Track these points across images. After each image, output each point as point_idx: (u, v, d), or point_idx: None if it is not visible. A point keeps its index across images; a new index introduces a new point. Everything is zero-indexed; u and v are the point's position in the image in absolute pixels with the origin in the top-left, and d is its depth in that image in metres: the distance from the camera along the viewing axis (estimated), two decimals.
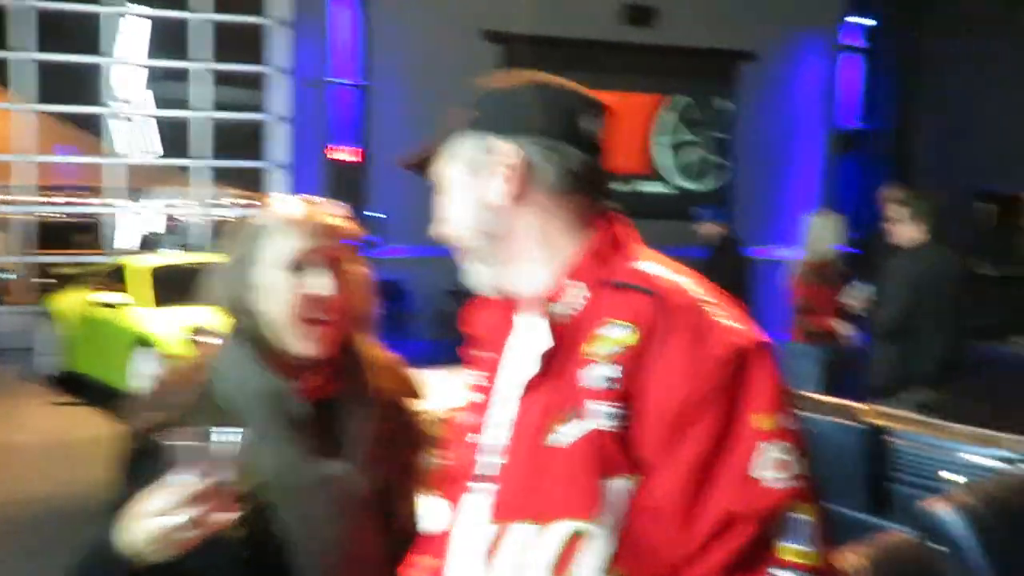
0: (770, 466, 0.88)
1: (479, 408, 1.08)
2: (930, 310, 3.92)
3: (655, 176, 9.93)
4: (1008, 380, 6.32)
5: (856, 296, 4.42)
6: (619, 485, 0.91)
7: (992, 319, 7.28)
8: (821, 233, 5.02)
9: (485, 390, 1.08)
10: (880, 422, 2.63)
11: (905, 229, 4.06)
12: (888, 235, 4.14)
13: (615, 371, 0.92)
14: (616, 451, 0.91)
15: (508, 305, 1.08)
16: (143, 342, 5.88)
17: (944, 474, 2.40)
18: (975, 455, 2.42)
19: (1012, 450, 2.36)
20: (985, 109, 9.00)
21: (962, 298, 4.03)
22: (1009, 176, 8.93)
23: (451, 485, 1.09)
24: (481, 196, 1.03)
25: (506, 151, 1.02)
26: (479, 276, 1.07)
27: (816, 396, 2.91)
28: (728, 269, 5.93)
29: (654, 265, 1.00)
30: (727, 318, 0.95)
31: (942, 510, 1.97)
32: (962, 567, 1.91)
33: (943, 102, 9.36)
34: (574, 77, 1.07)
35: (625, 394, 0.91)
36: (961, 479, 2.37)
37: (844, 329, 4.77)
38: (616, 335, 0.94)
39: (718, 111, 10.03)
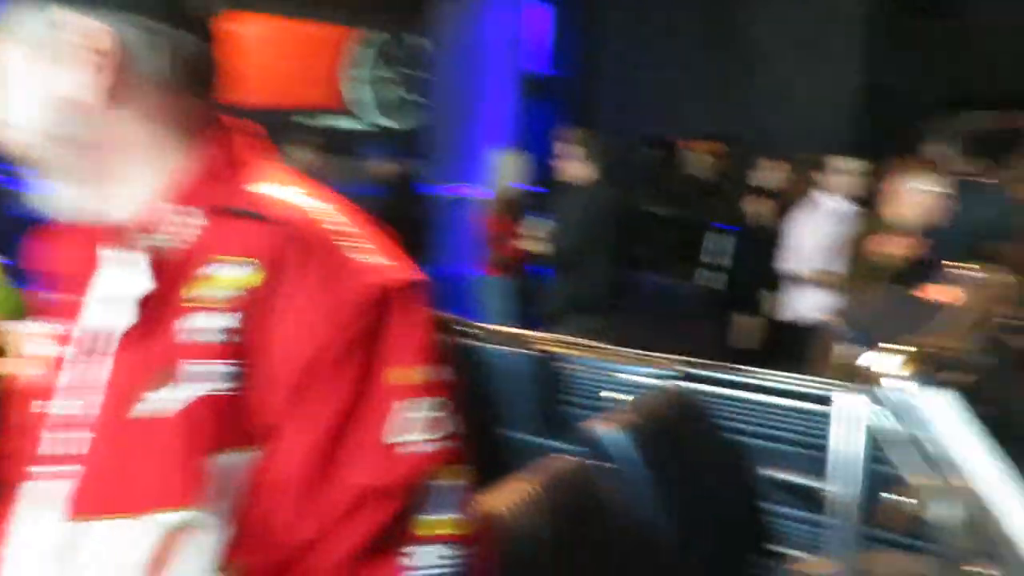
0: (413, 428, 0.77)
1: (53, 367, 0.84)
2: (597, 243, 4.18)
3: (348, 112, 9.63)
4: (666, 307, 7.02)
5: (536, 230, 4.58)
6: (234, 460, 0.74)
7: (655, 253, 8.03)
8: (508, 170, 5.14)
9: (63, 342, 0.84)
10: (551, 348, 2.70)
11: (578, 168, 4.26)
12: (562, 174, 4.33)
13: (232, 320, 0.74)
14: (231, 419, 0.73)
15: (92, 234, 0.83)
16: None
17: (609, 394, 2.51)
18: (637, 374, 2.56)
19: (669, 368, 2.52)
20: (654, 63, 9.82)
21: (626, 233, 4.35)
22: (673, 124, 9.85)
23: (10, 465, 0.85)
24: (57, 90, 0.78)
25: (94, 31, 0.77)
26: (56, 197, 0.82)
27: (489, 325, 2.93)
28: (405, 208, 5.89)
29: (285, 188, 0.82)
30: (370, 254, 0.79)
31: (605, 428, 2.03)
32: (625, 480, 2.00)
33: (619, 54, 10.06)
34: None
35: (244, 348, 0.74)
36: (625, 397, 2.49)
37: (531, 259, 4.94)
38: (233, 275, 0.75)
39: (413, 48, 9.92)
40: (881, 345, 1.18)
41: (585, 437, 2.07)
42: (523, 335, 2.84)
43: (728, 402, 2.40)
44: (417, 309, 0.79)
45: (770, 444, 2.31)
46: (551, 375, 2.65)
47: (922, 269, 3.39)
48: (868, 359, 1.96)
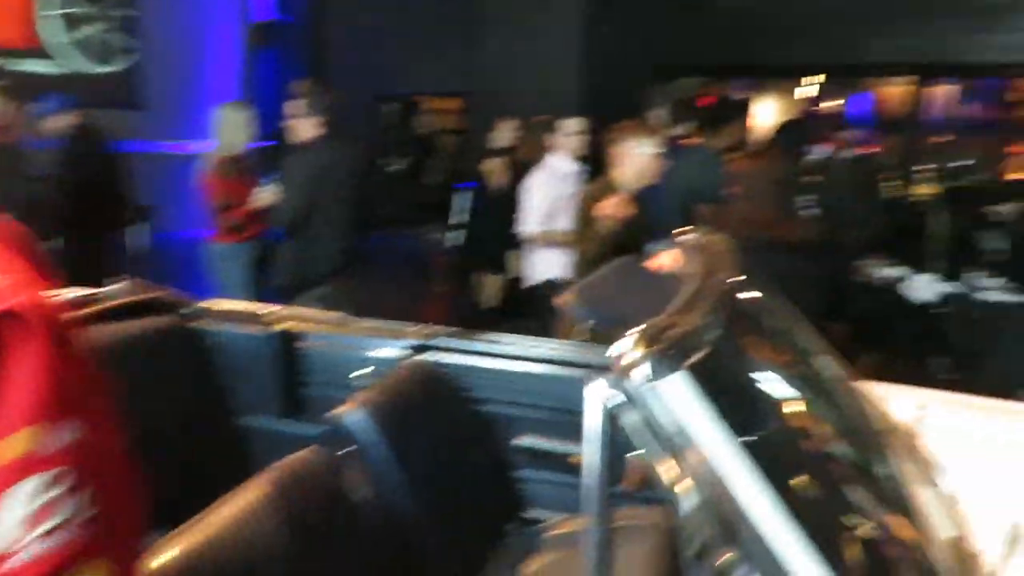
0: (24, 523, 0.55)
1: None
2: (327, 205, 3.99)
3: (43, 54, 8.46)
4: (409, 268, 7.00)
5: (264, 192, 4.31)
6: None
7: (395, 212, 7.95)
8: (233, 127, 4.76)
9: None
10: (290, 325, 2.53)
11: (303, 124, 4.03)
12: (290, 130, 4.08)
13: None
14: None
15: None
16: None
17: (355, 372, 2.41)
18: (383, 348, 2.47)
19: (416, 339, 2.46)
20: (393, 14, 9.60)
21: (360, 192, 4.19)
22: (409, 80, 9.75)
23: None
24: None
25: None
26: None
27: (220, 303, 2.69)
28: (89, 166, 5.25)
29: None
30: None
31: (347, 411, 1.93)
32: (371, 465, 1.92)
33: (351, 1, 9.72)
34: None
35: None
36: (370, 372, 2.40)
37: (264, 223, 4.63)
38: None
39: None
40: (613, 324, 1.19)
41: (328, 421, 1.96)
42: (258, 312, 2.64)
43: (478, 371, 2.39)
44: (28, 349, 0.56)
45: (523, 411, 2.33)
46: (292, 354, 2.49)
47: (642, 230, 3.62)
48: (601, 338, 2.02)
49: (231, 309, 2.66)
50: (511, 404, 2.35)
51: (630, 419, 0.99)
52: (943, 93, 9.26)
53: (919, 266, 5.33)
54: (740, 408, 1.08)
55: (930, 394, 2.14)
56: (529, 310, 4.40)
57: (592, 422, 0.98)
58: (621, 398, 0.99)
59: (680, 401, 0.97)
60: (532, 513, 2.32)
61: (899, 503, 1.24)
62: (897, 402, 1.87)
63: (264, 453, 2.35)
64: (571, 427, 2.33)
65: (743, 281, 1.56)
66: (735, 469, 0.95)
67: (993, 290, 5.04)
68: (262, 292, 4.40)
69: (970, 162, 8.79)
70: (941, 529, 1.28)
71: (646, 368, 0.97)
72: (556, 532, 2.19)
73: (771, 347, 1.49)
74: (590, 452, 0.98)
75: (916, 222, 6.23)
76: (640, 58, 8.14)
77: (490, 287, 5.45)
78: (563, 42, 8.73)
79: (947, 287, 5.11)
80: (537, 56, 8.78)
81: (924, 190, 7.79)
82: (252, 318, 2.55)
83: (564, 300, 1.31)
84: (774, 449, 1.10)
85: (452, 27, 9.28)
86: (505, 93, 8.19)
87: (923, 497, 1.33)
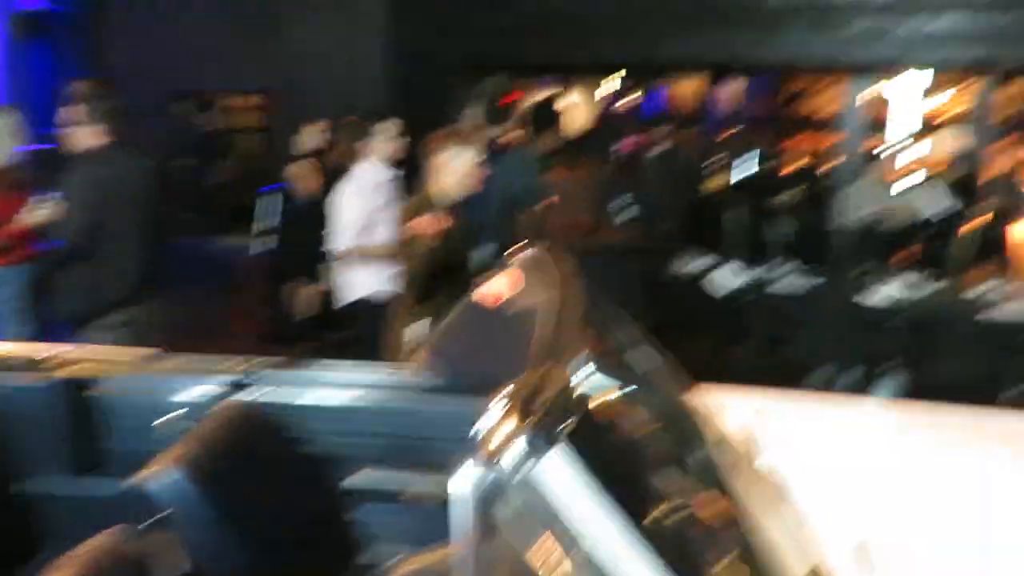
0: None
1: None
2: (119, 219, 3.58)
3: None
4: (218, 279, 6.52)
5: (40, 208, 3.80)
6: None
7: (197, 220, 7.41)
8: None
9: None
10: (79, 369, 2.20)
11: (83, 132, 3.60)
12: (68, 138, 3.64)
13: None
14: None
15: None
16: None
17: (162, 419, 2.14)
18: (195, 389, 2.22)
19: (233, 376, 2.24)
20: (183, 3, 8.92)
21: (154, 204, 3.80)
22: (202, 77, 9.11)
23: None
24: None
25: None
26: None
27: None
28: None
29: None
30: None
31: (154, 472, 1.70)
32: (182, 529, 1.70)
33: None
34: None
35: None
36: (181, 417, 2.15)
37: (39, 243, 4.09)
38: None
39: None
40: (474, 384, 1.08)
41: (133, 484, 1.71)
42: (37, 356, 2.28)
43: (304, 406, 2.20)
44: None
45: (355, 443, 2.17)
46: (83, 405, 2.17)
47: (465, 242, 3.52)
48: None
49: (3, 354, 2.29)
50: (342, 438, 2.17)
51: (505, 506, 0.87)
52: (729, 90, 9.88)
53: (724, 256, 5.60)
54: (622, 469, 1.00)
55: (765, 397, 2.19)
56: (349, 324, 4.17)
57: (461, 515, 0.85)
58: (493, 484, 0.86)
59: (562, 478, 0.87)
60: (372, 553, 2.16)
61: (761, 544, 1.22)
62: (734, 408, 1.88)
63: (59, 520, 2.04)
64: (406, 455, 2.20)
65: (594, 309, 1.49)
66: (623, 547, 0.86)
67: (785, 276, 5.40)
68: (42, 324, 3.89)
69: (756, 154, 9.43)
70: (798, 561, 1.27)
71: (520, 447, 0.86)
72: (400, 573, 2.05)
73: (629, 378, 1.43)
74: (461, 552, 0.85)
75: (717, 213, 6.58)
76: (448, 55, 8.04)
77: (305, 298, 5.15)
78: (368, 37, 8.48)
79: (747, 276, 5.41)
80: (340, 51, 8.48)
81: (720, 182, 8.26)
82: (30, 365, 2.20)
83: (418, 360, 1.18)
84: (654, 509, 1.03)
85: (250, 18, 8.76)
86: (308, 91, 7.84)
87: (778, 530, 1.32)
